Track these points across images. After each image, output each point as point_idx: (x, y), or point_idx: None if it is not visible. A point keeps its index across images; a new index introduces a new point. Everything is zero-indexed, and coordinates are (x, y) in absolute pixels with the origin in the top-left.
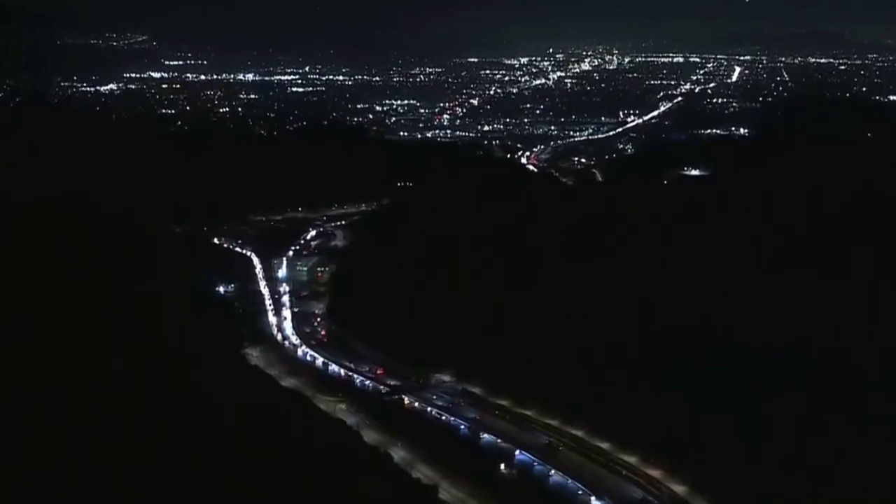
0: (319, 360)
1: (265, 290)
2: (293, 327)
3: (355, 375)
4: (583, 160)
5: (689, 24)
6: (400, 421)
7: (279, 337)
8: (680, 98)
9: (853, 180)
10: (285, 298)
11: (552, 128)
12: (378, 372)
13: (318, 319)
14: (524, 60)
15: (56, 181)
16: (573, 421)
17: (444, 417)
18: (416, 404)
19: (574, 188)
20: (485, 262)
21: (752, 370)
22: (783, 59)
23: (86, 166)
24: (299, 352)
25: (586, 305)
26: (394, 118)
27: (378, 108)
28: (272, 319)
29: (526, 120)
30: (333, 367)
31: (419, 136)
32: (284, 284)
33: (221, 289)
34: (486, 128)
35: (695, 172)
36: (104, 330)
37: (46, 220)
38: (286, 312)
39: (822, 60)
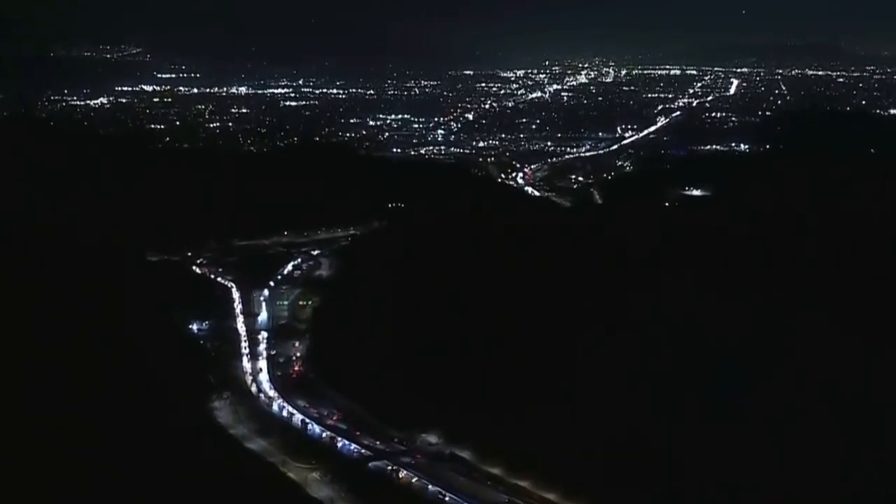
0: (297, 417)
1: (242, 328)
2: (269, 374)
3: (337, 436)
4: (580, 178)
5: (686, 35)
6: (383, 494)
7: (253, 387)
8: (678, 112)
9: (863, 199)
10: (263, 338)
11: (549, 143)
12: (335, 418)
13: (297, 365)
14: (520, 73)
15: (28, 204)
16: (576, 495)
17: (430, 488)
18: (414, 480)
19: (571, 216)
20: (479, 301)
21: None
22: (780, 71)
23: (63, 187)
24: (275, 406)
25: (596, 363)
26: (387, 133)
27: (371, 122)
28: (246, 365)
29: (522, 135)
30: (314, 428)
31: (413, 152)
32: (263, 320)
33: (195, 326)
34: (481, 143)
35: (696, 193)
36: (35, 385)
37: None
38: (262, 356)
39: (820, 73)
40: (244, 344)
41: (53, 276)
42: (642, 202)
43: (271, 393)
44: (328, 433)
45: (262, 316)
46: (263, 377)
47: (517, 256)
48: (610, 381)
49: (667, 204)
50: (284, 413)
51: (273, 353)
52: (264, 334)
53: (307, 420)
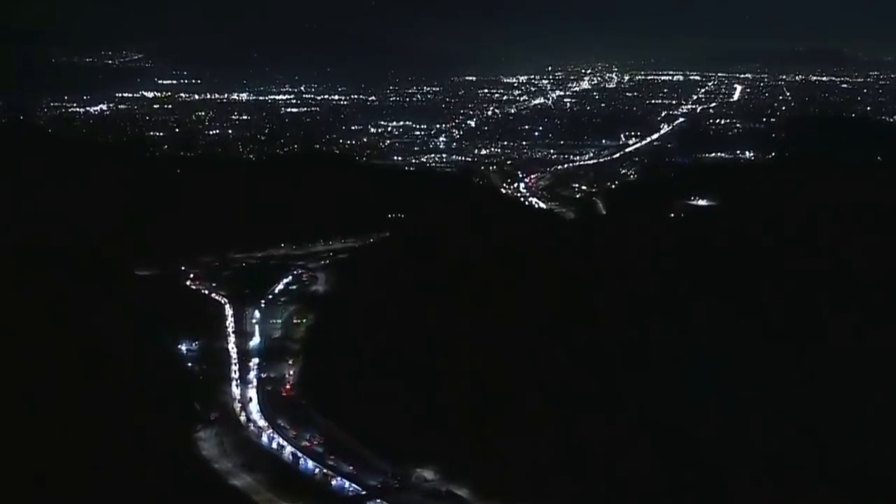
0: (288, 450)
1: (233, 349)
2: (259, 401)
3: (329, 472)
4: (583, 187)
5: (688, 40)
6: None
7: (242, 416)
8: (682, 118)
9: (877, 208)
10: (254, 359)
11: (551, 151)
12: (315, 442)
13: (289, 390)
14: (523, 79)
15: (15, 216)
16: None
17: None
18: None
19: (573, 230)
20: (482, 324)
21: None
22: (784, 76)
23: (54, 198)
24: (264, 437)
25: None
26: (388, 140)
27: (373, 129)
28: (235, 391)
29: (524, 142)
30: (307, 463)
31: (414, 160)
32: (255, 340)
33: (184, 347)
34: (483, 151)
35: (702, 203)
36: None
37: None
38: (252, 380)
39: (824, 78)
40: (234, 367)
41: (30, 294)
42: (646, 214)
43: (261, 422)
44: (320, 468)
45: (255, 335)
46: (253, 404)
47: (519, 275)
48: (618, 419)
49: (672, 215)
50: (274, 445)
51: (264, 375)
52: (256, 355)
53: (298, 453)
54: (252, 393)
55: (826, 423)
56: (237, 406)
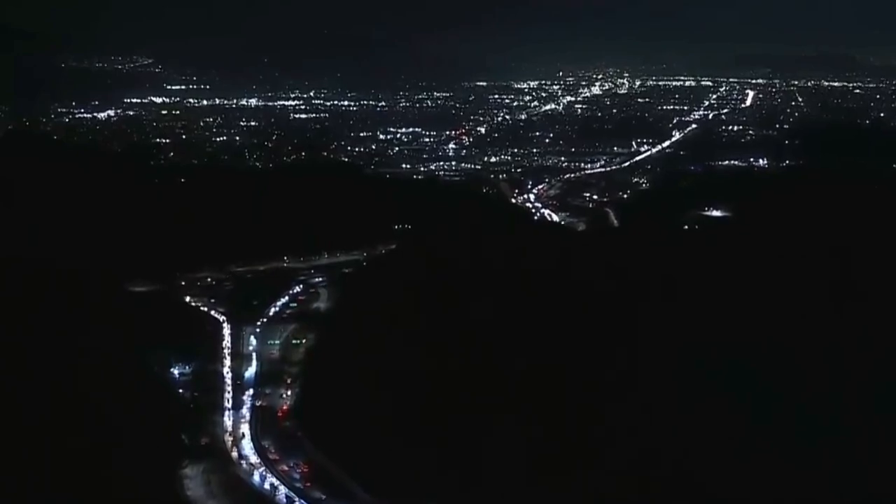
0: (282, 492)
1: (228, 373)
2: (251, 433)
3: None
4: (595, 196)
5: (699, 45)
6: None
7: (234, 451)
8: (694, 125)
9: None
10: (249, 385)
11: (562, 158)
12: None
13: (283, 419)
14: (534, 84)
15: (15, 230)
16: None
17: None
18: None
19: (586, 245)
20: (491, 349)
21: None
22: (796, 82)
23: (51, 209)
24: (256, 475)
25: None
26: (397, 148)
27: (382, 136)
28: (227, 421)
29: (535, 150)
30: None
31: (422, 168)
32: (252, 363)
33: (176, 371)
34: (492, 159)
35: (716, 213)
36: None
37: None
38: (246, 409)
39: (836, 84)
40: (228, 392)
41: (14, 316)
42: (660, 227)
43: (253, 458)
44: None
45: (252, 357)
46: (245, 438)
47: (531, 296)
48: (635, 461)
49: (686, 227)
50: (266, 486)
51: (259, 403)
52: (251, 380)
53: (293, 496)
54: (245, 424)
55: None
56: (228, 439)
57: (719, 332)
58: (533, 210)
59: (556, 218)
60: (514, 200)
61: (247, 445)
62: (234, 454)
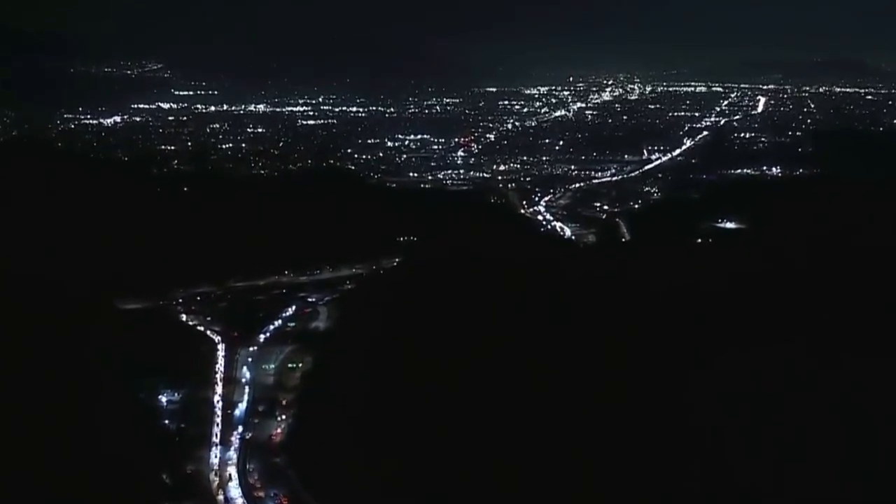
0: None
1: (218, 401)
2: (239, 471)
3: None
4: (605, 207)
5: (709, 51)
6: None
7: (219, 495)
8: (705, 132)
9: None
10: (239, 415)
11: (572, 167)
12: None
13: (274, 455)
14: (544, 90)
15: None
16: None
17: None
18: None
19: (596, 261)
20: (499, 377)
21: None
22: (808, 88)
23: (45, 222)
24: None
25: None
26: (405, 155)
27: (389, 143)
28: (214, 457)
29: (545, 157)
30: None
31: (430, 176)
32: (245, 389)
33: (164, 398)
34: (501, 167)
35: (730, 225)
36: None
37: None
38: (234, 444)
39: (848, 89)
40: (217, 422)
41: None
42: (672, 242)
43: (239, 501)
44: None
45: (244, 384)
46: (233, 479)
47: (541, 318)
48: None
49: (699, 240)
50: None
51: (249, 436)
52: (243, 412)
53: None
54: (232, 462)
55: None
56: (213, 478)
57: (738, 357)
58: (543, 221)
59: (567, 231)
60: (522, 211)
61: (233, 487)
62: (220, 497)
